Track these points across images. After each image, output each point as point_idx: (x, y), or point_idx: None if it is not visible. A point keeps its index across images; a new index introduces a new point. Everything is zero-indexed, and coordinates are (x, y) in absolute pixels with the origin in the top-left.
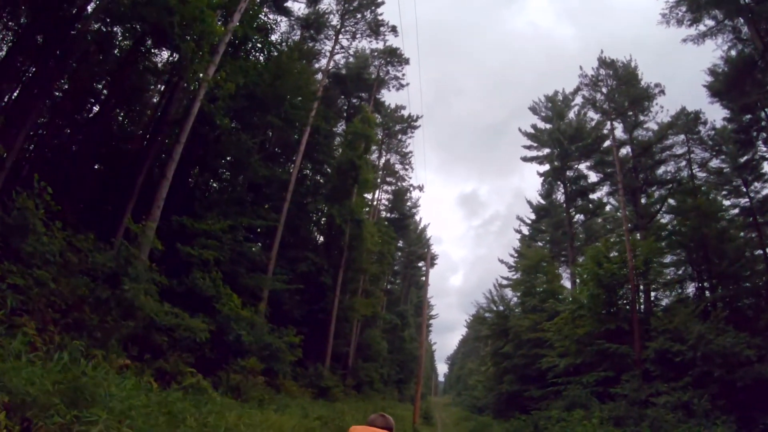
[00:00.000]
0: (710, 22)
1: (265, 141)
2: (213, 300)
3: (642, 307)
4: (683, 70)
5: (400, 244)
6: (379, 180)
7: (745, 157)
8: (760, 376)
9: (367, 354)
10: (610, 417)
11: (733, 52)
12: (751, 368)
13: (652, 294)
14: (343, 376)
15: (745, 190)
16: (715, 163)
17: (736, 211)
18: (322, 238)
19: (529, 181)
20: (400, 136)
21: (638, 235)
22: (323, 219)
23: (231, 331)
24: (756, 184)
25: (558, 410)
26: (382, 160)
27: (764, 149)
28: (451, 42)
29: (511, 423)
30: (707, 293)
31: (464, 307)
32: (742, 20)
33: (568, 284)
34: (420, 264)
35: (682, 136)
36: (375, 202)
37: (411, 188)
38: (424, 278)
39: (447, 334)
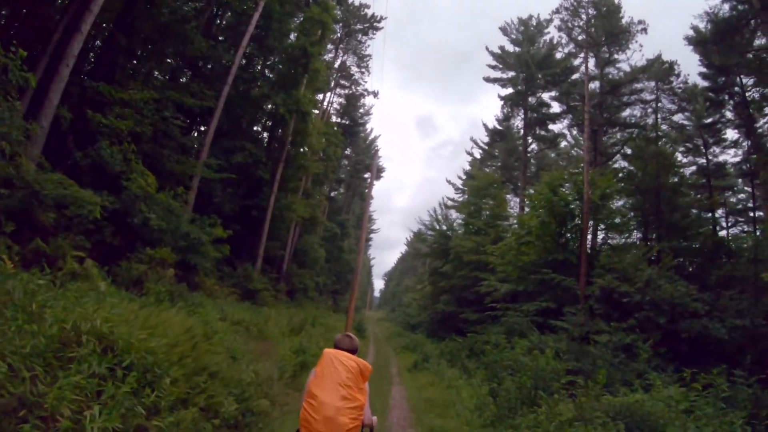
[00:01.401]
0: None
1: (210, 21)
2: (122, 177)
3: (590, 243)
4: (671, 12)
5: (348, 152)
6: (333, 83)
7: (711, 119)
8: (706, 330)
9: (303, 260)
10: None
11: (726, 6)
12: (697, 321)
13: (601, 234)
14: (276, 280)
15: (704, 150)
16: (679, 117)
17: (693, 168)
18: (265, 135)
19: (488, 110)
20: (360, 36)
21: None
22: (268, 107)
23: (137, 213)
24: (715, 147)
25: (497, 335)
26: (338, 62)
27: (730, 115)
28: None
29: (445, 343)
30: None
31: (406, 227)
32: None
33: (514, 212)
34: (366, 175)
35: (653, 83)
36: (327, 105)
37: (365, 93)
38: (368, 189)
39: (386, 251)
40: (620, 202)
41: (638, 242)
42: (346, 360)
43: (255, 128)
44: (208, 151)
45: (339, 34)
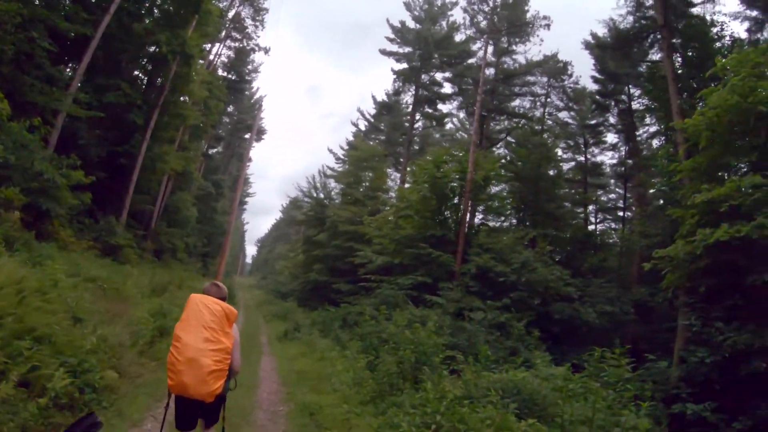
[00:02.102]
0: None
1: None
2: None
3: (468, 223)
4: (573, 16)
5: (231, 109)
6: (224, 33)
7: (595, 121)
8: (577, 314)
9: (173, 219)
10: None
11: (631, 18)
12: (569, 304)
13: (479, 216)
14: (143, 237)
15: (584, 149)
16: (564, 115)
17: (572, 164)
18: (145, 79)
19: (379, 85)
20: None
21: None
22: (151, 49)
23: None
24: (594, 148)
25: (371, 307)
26: (233, 12)
27: (613, 120)
28: None
29: (317, 313)
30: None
31: (284, 194)
32: None
33: (394, 187)
34: (247, 135)
35: (546, 79)
36: (215, 57)
37: (257, 48)
38: (247, 149)
39: (261, 217)
40: (499, 187)
41: (513, 227)
42: (212, 304)
43: (135, 72)
44: (79, 86)
45: None
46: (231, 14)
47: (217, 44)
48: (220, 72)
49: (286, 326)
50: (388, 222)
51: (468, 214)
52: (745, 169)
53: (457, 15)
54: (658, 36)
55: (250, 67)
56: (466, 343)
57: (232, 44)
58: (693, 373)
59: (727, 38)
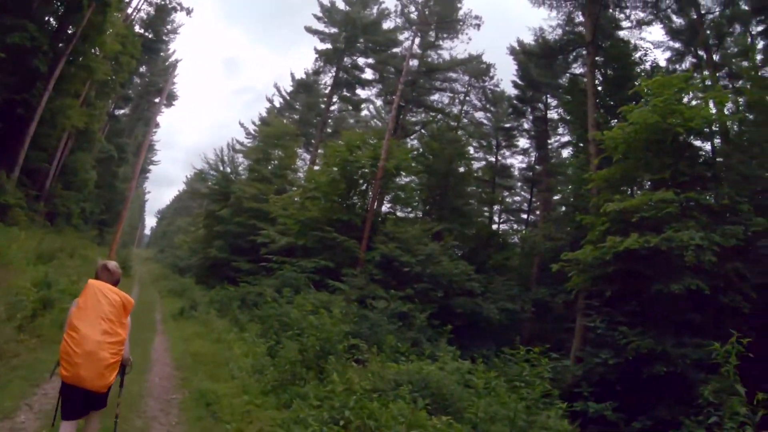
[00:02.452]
0: None
1: None
2: None
3: (375, 210)
4: (501, 21)
5: (143, 69)
6: None
7: (509, 124)
8: (479, 308)
9: (70, 181)
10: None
11: (560, 31)
12: (472, 299)
13: (387, 205)
14: (36, 198)
15: (495, 150)
16: (480, 115)
17: (482, 164)
18: (55, 24)
19: (299, 65)
20: None
21: None
22: None
23: None
24: (505, 150)
25: (272, 288)
26: None
27: (527, 126)
28: None
29: (216, 291)
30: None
31: (189, 167)
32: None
33: (303, 167)
34: (157, 99)
35: (467, 78)
36: (133, 12)
37: (178, 7)
38: (155, 113)
39: (164, 188)
40: (408, 179)
41: (420, 219)
42: (110, 293)
43: (46, 17)
44: None
45: None
46: None
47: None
48: (137, 29)
49: (182, 303)
50: (294, 202)
51: (376, 202)
52: (649, 185)
53: (389, 2)
54: (584, 51)
55: (169, 27)
56: (369, 332)
57: (155, 0)
58: (592, 372)
59: (649, 64)
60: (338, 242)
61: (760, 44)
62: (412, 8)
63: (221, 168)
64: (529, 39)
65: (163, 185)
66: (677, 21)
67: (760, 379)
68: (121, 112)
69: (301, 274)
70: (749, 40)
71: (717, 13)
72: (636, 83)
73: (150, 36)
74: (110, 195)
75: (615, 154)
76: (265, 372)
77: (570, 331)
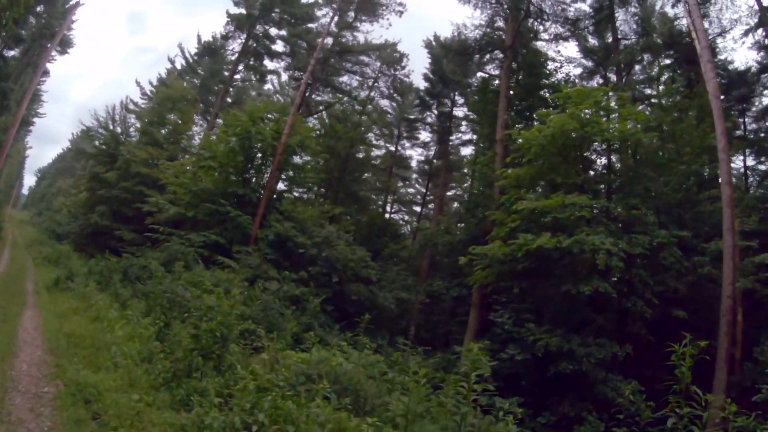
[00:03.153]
0: None
1: None
2: None
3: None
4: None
5: (40, 9)
6: None
7: (414, 116)
8: (372, 296)
9: None
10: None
11: (480, 32)
12: (366, 287)
13: (284, 184)
14: None
15: (396, 140)
16: (385, 103)
17: (382, 152)
18: None
19: (207, 30)
20: None
21: None
22: None
23: None
24: (406, 141)
25: (157, 261)
26: None
27: (432, 119)
28: None
29: (96, 261)
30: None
31: (78, 125)
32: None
33: (197, 138)
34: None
35: (378, 64)
36: None
37: None
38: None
39: (48, 146)
40: (306, 159)
41: (316, 200)
42: None
43: None
44: None
45: None
46: None
47: None
48: None
49: (58, 273)
50: (186, 171)
51: (274, 179)
52: (562, 189)
53: None
54: (500, 55)
55: None
56: (261, 315)
57: None
58: (500, 368)
59: (561, 76)
60: (231, 217)
61: (665, 76)
62: None
63: (111, 127)
64: (447, 35)
65: (48, 142)
66: (592, 41)
67: (652, 380)
68: (11, 54)
69: (190, 248)
70: (656, 69)
71: (632, 40)
72: (545, 92)
73: None
74: None
75: (527, 155)
76: (155, 360)
77: (461, 324)
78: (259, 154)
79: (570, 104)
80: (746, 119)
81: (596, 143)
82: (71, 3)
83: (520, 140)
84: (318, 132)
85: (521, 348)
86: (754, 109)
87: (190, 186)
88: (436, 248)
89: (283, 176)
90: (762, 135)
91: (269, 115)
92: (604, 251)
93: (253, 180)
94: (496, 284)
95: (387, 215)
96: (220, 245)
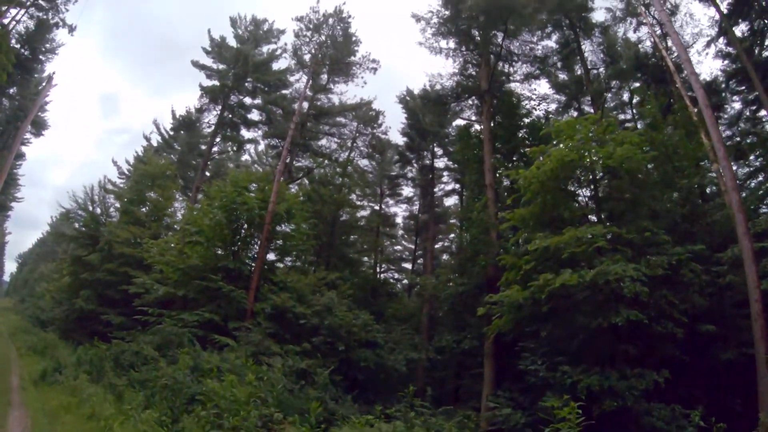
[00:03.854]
0: (452, 44)
1: None
2: None
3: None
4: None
5: (12, 91)
6: None
7: (395, 172)
8: (381, 359)
9: None
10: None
11: (454, 80)
12: (372, 351)
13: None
14: None
15: (380, 198)
16: (365, 163)
17: (366, 213)
18: None
19: (180, 106)
20: None
21: None
22: None
23: None
24: (389, 199)
25: (150, 345)
26: None
27: (412, 173)
28: None
29: (84, 349)
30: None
31: (56, 208)
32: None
33: (179, 214)
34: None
35: (356, 124)
36: (10, 23)
37: (61, 24)
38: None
39: (28, 231)
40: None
41: (308, 267)
42: None
43: None
44: None
45: None
46: None
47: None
48: (12, 43)
49: (45, 364)
50: (172, 248)
51: (264, 249)
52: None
53: (281, 43)
54: (475, 101)
55: (47, 45)
56: (272, 395)
57: (36, 13)
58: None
59: (539, 113)
60: (224, 292)
61: (636, 98)
62: (306, 50)
63: (90, 209)
64: (417, 88)
65: (27, 227)
66: (561, 77)
67: (691, 399)
68: None
69: (184, 329)
70: (627, 95)
71: (601, 69)
72: (525, 132)
73: (26, 53)
74: None
75: (527, 193)
76: None
77: (474, 378)
78: (245, 225)
79: (562, 136)
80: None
81: (597, 171)
82: (44, 84)
83: (520, 180)
84: (303, 198)
85: (560, 393)
86: (725, 116)
87: (177, 264)
88: (437, 302)
89: (272, 246)
90: (737, 139)
91: (253, 185)
92: (628, 278)
93: (242, 252)
94: (515, 331)
95: (378, 275)
96: (215, 323)
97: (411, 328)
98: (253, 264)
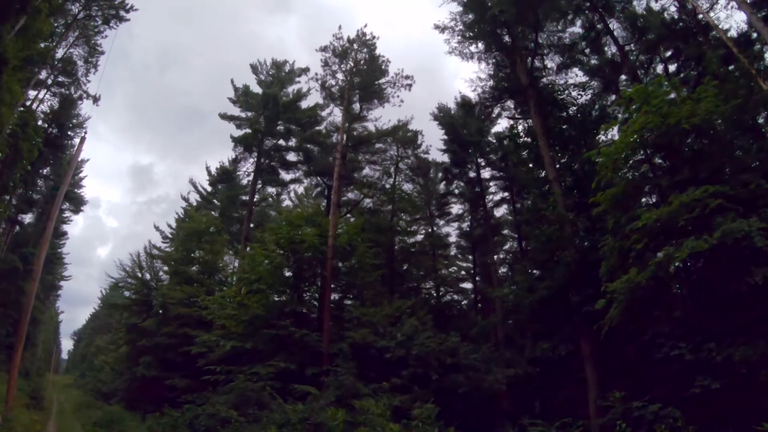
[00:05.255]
0: (481, 47)
1: None
2: None
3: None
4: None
5: (46, 171)
6: (49, 77)
7: (442, 191)
8: (479, 382)
9: None
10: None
11: (491, 82)
12: (476, 375)
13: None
14: None
15: (431, 220)
16: (408, 186)
17: (419, 237)
18: None
19: (215, 164)
20: (98, 20)
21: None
22: None
23: None
24: (438, 219)
25: (224, 406)
26: (62, 50)
27: (459, 189)
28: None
29: (155, 418)
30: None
31: (104, 283)
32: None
33: (229, 267)
34: (65, 207)
35: (395, 149)
36: (35, 103)
37: (84, 96)
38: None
39: (80, 308)
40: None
41: (376, 299)
42: None
43: None
44: None
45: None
46: (60, 53)
47: (41, 90)
48: (39, 123)
49: None
50: (230, 302)
51: (329, 286)
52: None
53: (305, 81)
54: (513, 101)
55: (74, 120)
56: None
57: (58, 90)
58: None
59: (584, 100)
60: (296, 338)
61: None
62: (334, 81)
63: (139, 275)
64: (448, 102)
65: (79, 305)
66: (593, 61)
67: None
68: (26, 218)
69: (259, 383)
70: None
71: (632, 45)
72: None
73: (54, 132)
74: (17, 314)
75: (606, 173)
76: None
77: (577, 384)
78: (305, 266)
79: (636, 104)
80: None
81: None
82: (76, 148)
83: (600, 159)
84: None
85: (711, 375)
86: None
87: (240, 316)
88: (522, 310)
89: (338, 283)
90: None
91: (312, 217)
92: (757, 232)
93: (305, 294)
94: (626, 321)
95: (440, 299)
96: (291, 372)
97: (492, 345)
98: (317, 304)
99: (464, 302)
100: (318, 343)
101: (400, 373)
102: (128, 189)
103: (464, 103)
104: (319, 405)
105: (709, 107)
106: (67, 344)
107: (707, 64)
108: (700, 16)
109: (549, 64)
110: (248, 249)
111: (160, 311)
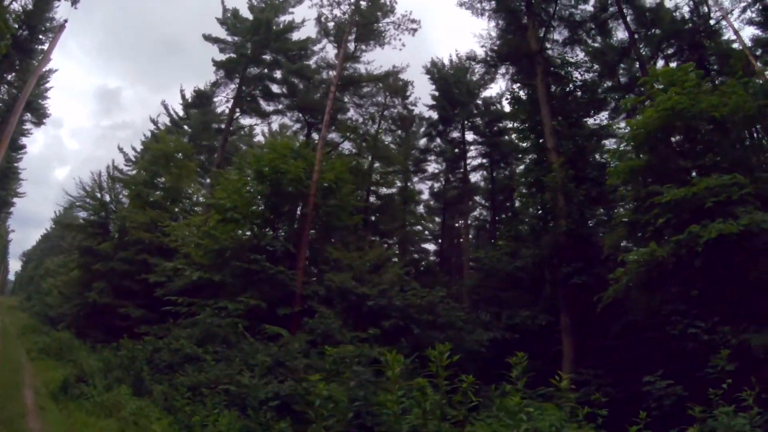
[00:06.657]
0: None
1: None
2: None
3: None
4: None
5: (10, 77)
6: None
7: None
8: (460, 341)
9: None
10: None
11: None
12: (456, 333)
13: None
14: None
15: (408, 174)
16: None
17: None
18: None
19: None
20: None
21: None
22: None
23: None
24: (413, 175)
25: (188, 341)
26: None
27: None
28: None
29: (111, 348)
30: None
31: (62, 203)
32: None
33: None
34: (26, 119)
35: (383, 95)
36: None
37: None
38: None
39: (32, 229)
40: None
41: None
42: None
43: None
44: None
45: None
46: None
47: None
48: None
49: (63, 371)
50: (198, 229)
51: (309, 225)
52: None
53: (299, 13)
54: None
55: (48, 24)
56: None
57: None
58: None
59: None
60: (269, 275)
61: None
62: (331, 16)
63: (99, 196)
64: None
65: (31, 226)
66: (595, 45)
67: None
68: None
69: (225, 319)
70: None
71: (642, 33)
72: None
73: (24, 32)
74: None
75: (631, 144)
76: None
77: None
78: (284, 200)
79: (662, 84)
80: None
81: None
82: (45, 69)
83: (626, 130)
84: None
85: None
86: None
87: (209, 245)
88: (499, 277)
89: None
90: None
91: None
92: None
93: (281, 230)
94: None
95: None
96: (260, 310)
97: (467, 306)
98: (293, 242)
99: (423, 263)
100: (292, 282)
101: (381, 324)
102: (93, 112)
103: (469, 57)
104: (295, 349)
105: (739, 101)
106: (15, 265)
107: (733, 64)
108: (713, 21)
109: (556, 36)
110: (222, 174)
111: (117, 235)
